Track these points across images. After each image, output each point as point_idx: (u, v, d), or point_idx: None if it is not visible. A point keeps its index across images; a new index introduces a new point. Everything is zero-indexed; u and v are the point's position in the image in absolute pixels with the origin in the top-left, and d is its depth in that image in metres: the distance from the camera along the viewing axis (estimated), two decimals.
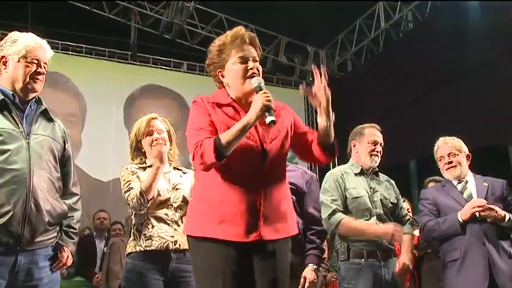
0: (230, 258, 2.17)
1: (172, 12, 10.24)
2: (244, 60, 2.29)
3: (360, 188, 3.51)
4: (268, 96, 2.17)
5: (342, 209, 3.41)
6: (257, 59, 2.34)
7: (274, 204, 2.25)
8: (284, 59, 11.11)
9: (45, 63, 2.63)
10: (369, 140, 3.60)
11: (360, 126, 3.71)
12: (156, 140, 3.10)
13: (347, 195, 3.47)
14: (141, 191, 2.90)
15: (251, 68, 2.28)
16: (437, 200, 3.71)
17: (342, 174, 3.55)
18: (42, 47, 2.63)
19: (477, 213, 3.47)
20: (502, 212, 3.46)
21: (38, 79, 2.59)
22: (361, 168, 3.59)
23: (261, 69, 2.34)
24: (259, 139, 2.26)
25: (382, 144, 3.63)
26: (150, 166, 3.10)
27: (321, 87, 2.26)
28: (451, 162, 3.75)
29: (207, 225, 2.20)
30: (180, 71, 10.69)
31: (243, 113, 2.27)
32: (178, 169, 3.24)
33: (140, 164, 3.14)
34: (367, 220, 3.42)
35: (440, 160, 3.82)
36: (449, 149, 3.79)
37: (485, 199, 3.54)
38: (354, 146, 3.66)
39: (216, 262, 2.17)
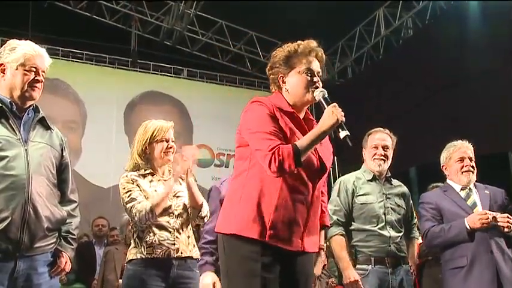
0: (271, 266, 2.20)
1: (172, 19, 10.26)
2: (311, 72, 2.36)
3: (371, 194, 3.51)
4: (340, 111, 2.23)
5: (343, 220, 3.44)
6: (320, 75, 2.41)
7: (315, 219, 2.37)
8: None
9: (44, 71, 2.63)
10: (371, 144, 3.61)
11: (368, 132, 3.70)
12: (171, 148, 3.11)
13: (356, 201, 3.47)
14: (151, 208, 2.89)
15: (316, 81, 2.35)
16: (441, 205, 3.63)
17: (355, 180, 3.55)
18: (41, 55, 2.63)
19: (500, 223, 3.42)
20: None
21: (36, 87, 2.59)
22: (373, 175, 3.58)
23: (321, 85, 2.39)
24: (319, 155, 2.34)
25: (389, 147, 3.61)
26: (150, 174, 3.09)
27: None
28: (472, 167, 3.70)
29: (258, 228, 2.21)
30: (180, 78, 10.71)
31: (301, 121, 2.38)
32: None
33: (140, 170, 3.12)
34: (374, 226, 3.41)
35: (457, 161, 3.72)
36: (470, 152, 3.74)
37: (489, 207, 3.52)
38: (363, 153, 3.68)
39: (256, 266, 2.19)
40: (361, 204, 3.46)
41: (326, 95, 2.31)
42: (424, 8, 9.19)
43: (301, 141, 2.21)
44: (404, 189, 3.70)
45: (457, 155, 3.74)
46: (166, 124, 3.17)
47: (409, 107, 8.53)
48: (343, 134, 2.20)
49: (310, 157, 2.28)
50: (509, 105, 6.92)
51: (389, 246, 3.40)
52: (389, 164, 3.64)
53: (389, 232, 3.43)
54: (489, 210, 3.49)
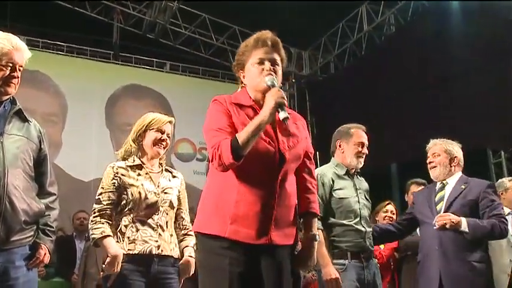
0: (238, 260, 2.18)
1: (155, 12, 10.19)
2: (261, 61, 2.34)
3: (347, 189, 3.50)
4: (281, 93, 2.21)
5: (321, 215, 3.34)
6: (277, 62, 2.37)
7: (285, 211, 2.28)
8: None
9: (21, 66, 2.58)
10: (356, 141, 3.58)
11: (346, 126, 3.68)
12: (164, 140, 3.10)
13: (334, 195, 3.44)
14: (97, 240, 2.89)
15: (267, 69, 2.31)
16: (416, 201, 3.87)
17: (332, 175, 3.52)
18: (19, 49, 2.56)
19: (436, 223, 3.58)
20: (455, 218, 3.52)
21: (12, 83, 2.55)
22: (347, 169, 3.58)
23: (280, 71, 2.37)
24: (278, 145, 2.28)
25: (367, 146, 3.65)
26: (138, 166, 3.06)
27: None
28: (431, 163, 3.84)
29: (219, 224, 2.21)
30: (162, 71, 10.65)
31: None
32: (169, 171, 3.20)
33: (128, 160, 3.09)
34: (350, 221, 3.41)
35: (427, 159, 3.91)
36: (434, 149, 3.85)
37: (452, 201, 3.63)
38: (340, 146, 3.63)
39: (224, 262, 2.17)
40: (339, 198, 3.43)
41: (274, 82, 2.28)
42: (406, 4, 9.26)
43: (241, 133, 2.16)
44: (367, 185, 3.72)
45: (428, 154, 3.90)
46: (165, 117, 3.17)
47: (390, 103, 8.59)
48: (282, 115, 2.16)
49: (266, 147, 2.24)
50: (489, 102, 7.01)
51: (365, 241, 3.42)
52: None
53: (364, 227, 3.45)
54: (449, 205, 3.62)
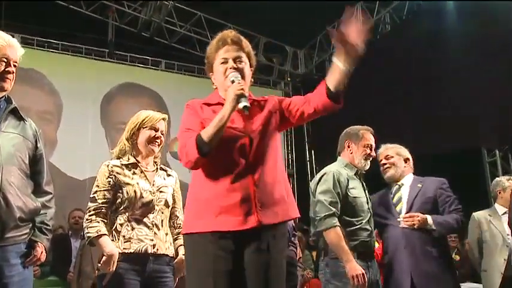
0: (225, 257, 2.19)
1: (150, 10, 10.17)
2: (225, 60, 2.41)
3: (358, 189, 3.56)
4: (239, 85, 2.27)
5: (338, 214, 3.42)
6: (241, 58, 2.42)
7: (268, 189, 2.28)
8: (262, 58, 11.10)
9: (16, 62, 2.59)
10: (365, 143, 3.64)
11: (355, 127, 3.74)
12: (157, 138, 3.08)
13: (349, 194, 3.48)
14: (92, 239, 2.88)
15: (230, 67, 2.38)
16: (375, 203, 3.83)
17: (346, 174, 3.56)
18: (12, 45, 2.58)
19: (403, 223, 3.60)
20: (422, 217, 3.56)
21: (8, 78, 2.55)
22: (356, 170, 3.63)
23: (244, 67, 2.41)
24: (245, 130, 2.31)
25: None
26: (133, 164, 3.05)
27: (362, 30, 2.26)
28: (385, 164, 3.88)
29: (205, 220, 2.22)
30: (158, 70, 10.63)
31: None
32: (164, 169, 3.19)
33: (123, 158, 3.08)
34: (360, 220, 3.46)
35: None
36: (387, 152, 3.91)
37: (413, 201, 3.67)
38: (349, 146, 3.68)
39: (209, 261, 2.18)
40: (353, 197, 3.48)
41: (236, 78, 2.33)
42: (401, 4, 9.27)
43: (205, 129, 2.22)
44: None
45: (379, 158, 3.94)
46: (158, 114, 3.15)
47: (385, 102, 8.61)
48: (241, 105, 2.22)
49: (234, 135, 2.27)
50: (485, 101, 7.04)
51: (371, 240, 3.49)
52: None
53: (371, 227, 3.51)
54: (410, 205, 3.66)
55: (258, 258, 2.24)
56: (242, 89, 2.25)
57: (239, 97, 2.23)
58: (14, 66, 2.58)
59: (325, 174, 3.56)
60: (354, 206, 3.47)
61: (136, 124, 3.10)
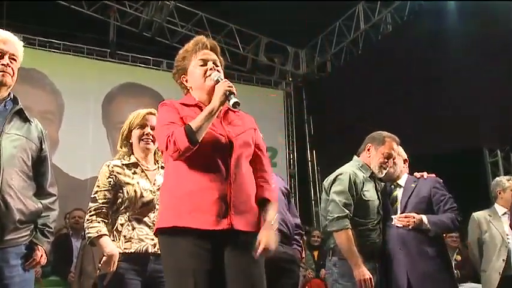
0: (202, 255, 2.19)
1: (152, 10, 10.17)
2: (204, 62, 2.46)
3: (372, 191, 3.58)
4: (228, 82, 2.33)
5: (351, 216, 3.43)
6: (218, 63, 2.50)
7: (244, 197, 2.31)
8: (264, 58, 11.10)
9: (13, 55, 2.58)
10: (385, 151, 3.65)
11: (381, 132, 3.76)
12: (147, 134, 3.07)
13: (362, 196, 3.50)
14: (92, 240, 2.89)
15: (211, 69, 2.44)
16: None
17: (362, 176, 3.57)
18: (5, 39, 2.57)
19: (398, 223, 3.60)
20: (417, 217, 3.56)
21: (5, 71, 2.54)
22: (372, 172, 3.65)
23: (221, 73, 2.47)
24: (226, 134, 2.35)
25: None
26: (134, 164, 3.05)
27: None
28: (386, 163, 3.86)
29: (178, 215, 2.22)
30: (159, 70, 10.60)
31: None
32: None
33: (124, 158, 3.08)
34: (371, 222, 3.50)
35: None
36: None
37: (407, 200, 3.68)
38: (369, 149, 3.70)
39: (187, 260, 2.18)
40: (366, 200, 3.51)
41: (221, 76, 2.39)
42: (403, 4, 9.26)
43: (194, 120, 2.25)
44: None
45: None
46: (143, 110, 3.16)
47: (387, 103, 8.60)
48: (232, 101, 2.28)
49: (215, 136, 2.31)
50: (486, 101, 7.03)
51: (380, 241, 3.54)
52: None
53: (380, 228, 3.56)
54: (405, 204, 3.67)
55: (236, 261, 2.25)
56: (231, 86, 2.30)
57: (230, 93, 2.28)
58: (13, 60, 2.58)
59: (341, 174, 3.58)
60: (366, 208, 3.50)
61: (126, 128, 3.13)
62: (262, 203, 2.40)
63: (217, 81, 2.36)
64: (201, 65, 2.45)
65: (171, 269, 2.25)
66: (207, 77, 2.42)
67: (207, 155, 2.27)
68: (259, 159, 2.50)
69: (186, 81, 2.52)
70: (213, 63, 2.46)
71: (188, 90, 2.53)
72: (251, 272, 2.26)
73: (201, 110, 2.34)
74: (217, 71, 2.45)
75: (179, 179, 2.29)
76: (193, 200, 2.22)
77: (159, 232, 2.32)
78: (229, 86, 2.30)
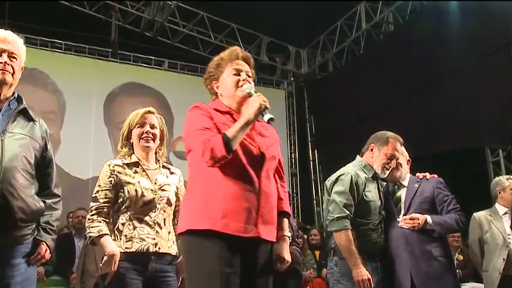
0: (229, 259, 2.26)
1: (153, 10, 10.19)
2: (237, 72, 2.53)
3: (374, 191, 3.57)
4: (263, 97, 2.38)
5: (351, 216, 3.43)
6: (250, 74, 2.56)
7: (269, 208, 2.41)
8: (265, 58, 11.12)
9: (13, 53, 2.59)
10: (388, 152, 3.63)
11: (386, 133, 3.74)
12: (146, 132, 3.07)
13: (364, 197, 3.50)
14: (93, 240, 2.90)
15: (244, 79, 2.51)
16: None
17: (364, 176, 3.57)
18: (3, 38, 2.58)
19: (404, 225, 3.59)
20: (422, 218, 3.55)
21: (4, 69, 2.54)
22: (374, 172, 3.64)
23: (253, 84, 2.54)
24: (258, 145, 2.43)
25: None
26: (135, 163, 3.05)
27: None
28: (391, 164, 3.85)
29: (211, 220, 2.28)
30: (161, 69, 10.64)
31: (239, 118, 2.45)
32: (166, 167, 3.18)
33: (125, 158, 3.08)
34: (373, 222, 3.50)
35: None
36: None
37: (411, 201, 3.66)
38: (372, 149, 3.69)
39: (216, 263, 2.23)
40: (368, 201, 3.51)
41: (252, 90, 2.46)
42: (404, 3, 9.27)
43: (230, 129, 2.32)
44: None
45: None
46: (142, 110, 3.15)
47: (388, 102, 8.61)
48: (266, 117, 2.35)
49: (248, 147, 2.39)
50: (487, 100, 7.03)
51: (381, 241, 3.53)
52: None
53: (381, 227, 3.55)
54: (409, 205, 3.65)
55: (255, 269, 2.35)
56: (266, 101, 2.36)
57: (265, 107, 2.35)
58: (13, 58, 2.58)
59: (342, 174, 3.57)
60: (367, 208, 3.50)
61: (126, 128, 3.13)
62: (281, 214, 2.54)
63: (249, 94, 2.43)
64: (234, 74, 2.52)
65: (197, 270, 2.29)
66: (238, 87, 2.49)
67: (240, 164, 2.35)
68: (279, 171, 2.61)
69: (217, 87, 2.59)
70: (246, 74, 2.53)
71: (217, 96, 2.59)
72: (267, 281, 2.40)
73: (232, 117, 2.45)
74: (249, 82, 2.52)
75: (211, 184, 2.35)
76: (227, 206, 2.29)
77: (188, 233, 2.35)
78: (264, 101, 2.35)
